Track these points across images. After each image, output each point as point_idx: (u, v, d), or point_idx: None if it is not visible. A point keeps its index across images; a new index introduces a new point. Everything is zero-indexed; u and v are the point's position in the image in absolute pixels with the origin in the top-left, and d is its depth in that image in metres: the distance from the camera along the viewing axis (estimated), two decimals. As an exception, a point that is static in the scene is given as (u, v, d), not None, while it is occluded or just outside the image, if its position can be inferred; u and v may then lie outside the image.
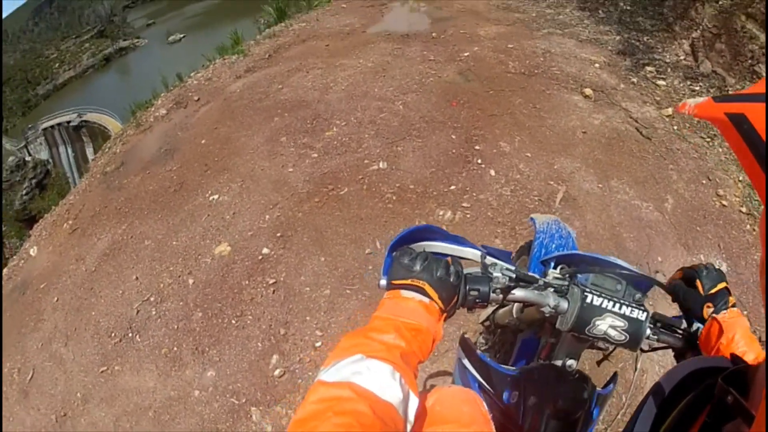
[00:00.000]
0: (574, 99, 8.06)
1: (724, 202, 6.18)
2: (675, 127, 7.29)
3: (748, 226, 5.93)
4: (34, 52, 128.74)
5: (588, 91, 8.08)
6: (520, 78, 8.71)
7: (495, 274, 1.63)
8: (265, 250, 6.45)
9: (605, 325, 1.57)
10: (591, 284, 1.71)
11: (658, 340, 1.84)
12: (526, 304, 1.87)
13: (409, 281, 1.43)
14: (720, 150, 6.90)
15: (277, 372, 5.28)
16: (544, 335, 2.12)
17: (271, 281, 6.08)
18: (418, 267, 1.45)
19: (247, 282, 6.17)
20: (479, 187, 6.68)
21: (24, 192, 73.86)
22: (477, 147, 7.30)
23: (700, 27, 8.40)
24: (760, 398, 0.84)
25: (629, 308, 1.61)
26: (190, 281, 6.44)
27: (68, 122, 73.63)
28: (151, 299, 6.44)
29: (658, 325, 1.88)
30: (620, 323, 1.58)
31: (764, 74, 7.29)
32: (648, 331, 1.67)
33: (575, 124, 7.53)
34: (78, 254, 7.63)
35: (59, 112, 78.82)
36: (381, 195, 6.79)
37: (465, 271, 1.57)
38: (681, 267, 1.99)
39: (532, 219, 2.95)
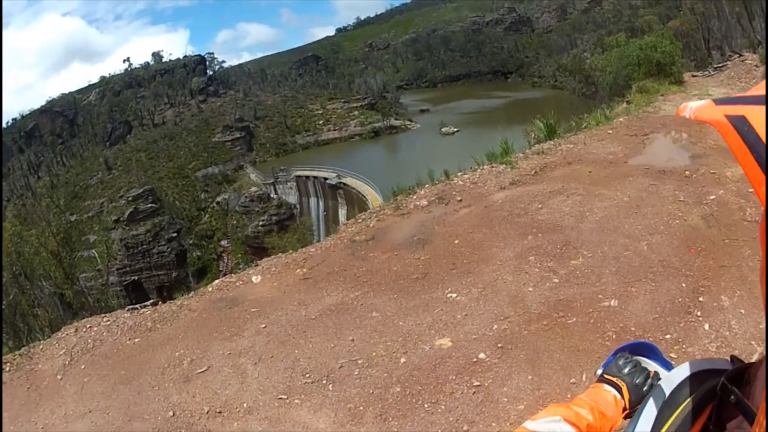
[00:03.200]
0: None
1: None
2: None
3: None
4: (296, 102, 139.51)
5: None
6: (754, 227, 8.27)
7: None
8: (482, 355, 6.60)
9: None
10: None
11: None
12: None
13: (614, 379, 1.65)
14: None
15: None
16: None
17: (476, 383, 6.18)
18: (626, 371, 1.67)
19: (454, 377, 6.32)
20: (691, 339, 6.47)
21: (260, 223, 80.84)
22: (701, 299, 7.06)
23: None
24: (761, 397, 0.86)
25: None
26: (402, 359, 6.72)
27: (325, 179, 78.70)
28: (359, 361, 6.77)
29: None
30: None
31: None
32: None
33: None
34: (302, 299, 8.20)
35: (318, 167, 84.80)
36: (603, 331, 6.73)
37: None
38: None
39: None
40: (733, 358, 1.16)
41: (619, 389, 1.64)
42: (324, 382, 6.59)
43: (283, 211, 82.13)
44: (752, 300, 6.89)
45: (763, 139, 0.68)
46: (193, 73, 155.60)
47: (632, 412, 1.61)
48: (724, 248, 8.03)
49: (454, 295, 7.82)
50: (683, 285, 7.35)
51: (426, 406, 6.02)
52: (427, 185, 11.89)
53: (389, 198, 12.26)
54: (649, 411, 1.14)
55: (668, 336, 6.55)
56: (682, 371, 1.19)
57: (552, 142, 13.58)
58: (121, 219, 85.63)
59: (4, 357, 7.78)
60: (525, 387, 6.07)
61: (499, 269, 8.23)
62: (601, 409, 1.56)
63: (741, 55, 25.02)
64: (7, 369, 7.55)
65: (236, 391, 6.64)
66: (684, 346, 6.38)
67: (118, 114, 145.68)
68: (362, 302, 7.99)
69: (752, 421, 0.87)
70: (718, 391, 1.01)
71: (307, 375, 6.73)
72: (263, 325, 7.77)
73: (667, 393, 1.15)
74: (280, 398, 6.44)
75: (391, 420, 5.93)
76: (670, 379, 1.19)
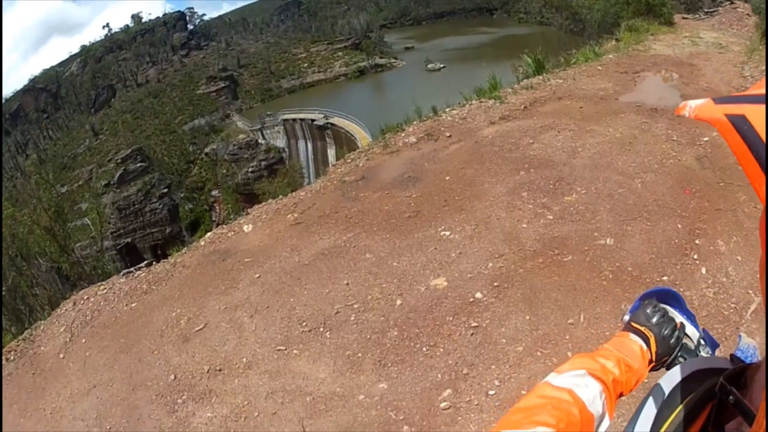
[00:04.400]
0: None
1: None
2: None
3: None
4: (279, 47, 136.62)
5: None
6: None
7: (702, 353, 1.73)
8: (478, 295, 6.54)
9: None
10: None
11: None
12: None
13: (642, 328, 1.61)
14: None
15: (443, 404, 5.33)
16: None
17: (474, 324, 6.13)
18: (654, 320, 1.63)
19: (451, 318, 6.27)
20: (688, 283, 6.45)
21: (250, 169, 79.71)
22: (697, 241, 7.05)
23: None
24: (761, 397, 0.86)
25: None
26: (398, 302, 6.65)
27: (313, 120, 77.35)
28: (355, 306, 6.71)
29: None
30: None
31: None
32: None
33: None
34: (295, 245, 8.10)
35: (304, 109, 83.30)
36: (600, 270, 6.67)
37: (684, 341, 1.70)
38: None
39: (740, 336, 2.85)
40: (733, 357, 1.22)
41: (646, 340, 1.59)
42: (321, 329, 6.53)
43: (272, 156, 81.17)
44: (748, 247, 6.91)
45: (764, 138, 0.67)
46: (173, 30, 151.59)
47: (658, 364, 1.62)
48: (719, 191, 8.00)
49: (447, 233, 7.76)
50: (679, 226, 7.32)
51: (424, 349, 5.98)
52: (415, 122, 11.78)
53: (378, 136, 12.17)
54: (649, 410, 1.14)
55: (665, 278, 6.52)
56: (681, 370, 1.21)
57: (541, 77, 13.47)
58: (112, 182, 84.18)
59: (8, 346, 7.70)
60: (523, 327, 6.03)
61: (491, 206, 8.18)
62: (628, 362, 1.49)
63: (733, 3, 24.94)
64: (12, 358, 7.43)
65: (235, 347, 6.59)
66: (681, 289, 6.32)
67: (101, 80, 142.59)
68: (355, 244, 7.90)
69: (751, 421, 0.87)
70: (717, 392, 1.00)
71: (304, 323, 6.66)
72: (257, 275, 7.68)
73: (667, 392, 1.16)
74: (279, 350, 6.39)
75: (390, 365, 5.89)
76: (670, 378, 1.20)
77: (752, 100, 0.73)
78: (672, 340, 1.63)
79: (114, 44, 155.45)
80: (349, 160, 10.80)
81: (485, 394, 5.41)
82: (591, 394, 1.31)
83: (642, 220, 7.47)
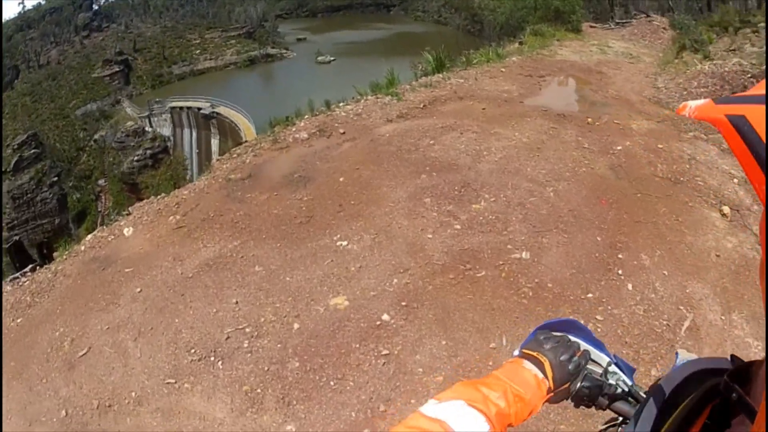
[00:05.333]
0: (712, 216, 7.60)
1: None
2: None
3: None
4: (175, 32, 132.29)
5: (726, 209, 7.72)
6: (667, 184, 8.16)
7: (610, 381, 1.61)
8: (385, 317, 5.85)
9: None
10: None
11: None
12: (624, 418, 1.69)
13: (534, 353, 1.49)
14: None
15: None
16: None
17: (384, 352, 5.45)
18: (547, 346, 1.52)
19: (357, 345, 5.56)
20: (615, 300, 6.08)
21: (136, 158, 76.61)
22: (620, 255, 6.70)
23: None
24: (762, 395, 0.82)
25: None
26: (296, 326, 5.88)
27: (199, 109, 75.32)
28: (247, 330, 5.92)
29: None
30: None
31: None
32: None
33: (711, 245, 7.07)
34: (177, 253, 7.24)
35: (192, 97, 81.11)
36: (518, 287, 6.16)
37: (589, 366, 1.59)
38: None
39: (677, 354, 2.47)
40: (734, 357, 1.14)
41: (541, 366, 1.48)
42: (212, 358, 5.68)
43: (158, 145, 78.08)
44: (673, 261, 6.70)
45: (764, 138, 0.68)
46: (79, 10, 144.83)
47: (558, 392, 1.50)
48: (637, 202, 7.78)
49: (344, 242, 7.05)
50: (598, 239, 6.98)
51: (332, 383, 5.24)
52: (306, 116, 11.06)
53: (266, 130, 11.36)
54: (649, 410, 1.12)
55: (590, 295, 6.14)
56: (682, 371, 1.19)
57: (441, 76, 13.04)
58: (8, 170, 79.21)
59: None
60: (440, 354, 5.42)
61: (391, 212, 7.54)
62: (517, 391, 1.38)
63: (648, 16, 25.62)
64: None
65: (121, 377, 5.69)
66: (609, 307, 6.01)
67: (8, 59, 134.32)
68: (242, 254, 7.08)
69: (753, 419, 0.84)
70: (721, 389, 0.98)
71: (192, 350, 5.80)
72: (138, 289, 6.75)
73: (668, 392, 1.14)
74: (168, 383, 5.53)
75: (295, 403, 5.13)
76: (670, 379, 1.17)
77: (752, 100, 0.73)
78: (570, 366, 1.51)
79: (25, 22, 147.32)
80: (235, 155, 9.95)
81: (410, 434, 4.73)
82: (467, 427, 1.21)
83: (558, 232, 7.06)
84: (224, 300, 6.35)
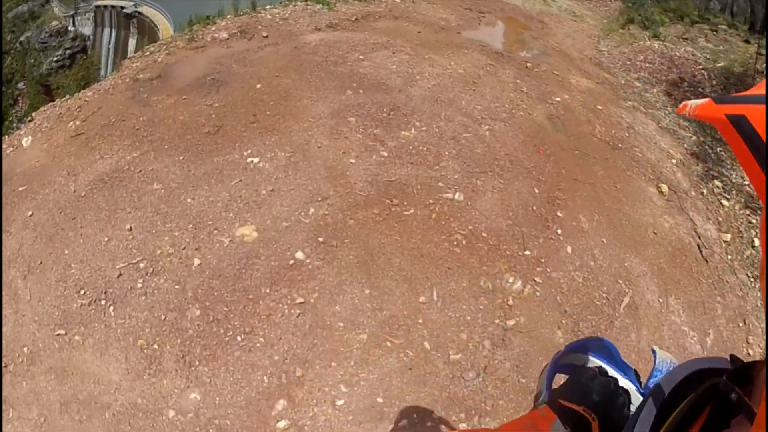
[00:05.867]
0: (650, 192, 7.16)
1: (751, 351, 5.77)
2: (729, 257, 6.71)
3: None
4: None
5: (664, 187, 7.34)
6: (605, 147, 7.62)
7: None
8: (300, 255, 5.03)
9: None
10: None
11: None
12: None
13: (581, 409, 1.24)
14: (758, 294, 6.28)
15: (281, 424, 3.99)
16: None
17: (299, 300, 4.67)
18: (596, 396, 1.26)
19: (267, 290, 4.76)
20: (554, 262, 5.55)
21: (55, 59, 71.76)
22: (559, 213, 6.13)
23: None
24: (762, 396, 0.80)
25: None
26: (196, 261, 5.01)
27: (122, 8, 69.73)
28: (141, 266, 5.02)
29: None
30: None
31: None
32: None
33: (648, 220, 6.67)
34: (72, 166, 6.17)
35: (118, -6, 76.17)
36: (450, 233, 5.46)
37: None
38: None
39: (654, 351, 2.38)
40: (733, 357, 1.05)
41: (586, 424, 1.22)
42: (103, 302, 4.74)
43: (77, 44, 72.98)
44: (612, 230, 6.28)
45: (764, 138, 0.66)
46: None
47: None
48: (575, 160, 7.19)
49: (255, 159, 6.08)
50: (536, 191, 6.36)
51: (239, 339, 4.43)
52: (229, 16, 9.82)
53: (184, 28, 10.00)
54: (649, 411, 1.05)
55: (528, 252, 5.54)
56: (681, 371, 1.10)
57: None
58: None
59: None
60: (363, 306, 4.68)
61: (311, 128, 6.57)
62: None
63: None
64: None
65: (13, 327, 4.78)
66: (548, 269, 5.47)
67: None
68: (141, 168, 6.04)
69: (752, 419, 0.79)
70: (721, 390, 0.92)
71: (82, 291, 4.85)
72: (29, 212, 5.69)
73: (667, 392, 1.06)
74: (58, 335, 4.63)
75: (198, 364, 4.31)
76: (670, 379, 1.09)
77: (752, 100, 0.72)
78: (621, 422, 1.26)
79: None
80: (147, 54, 8.66)
81: (332, 404, 4.08)
82: None
83: (494, 176, 6.36)
84: (117, 225, 5.38)
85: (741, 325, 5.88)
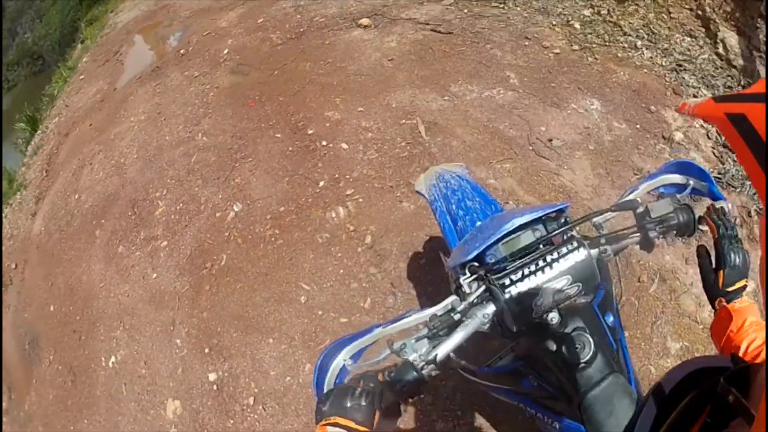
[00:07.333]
0: (355, 35, 7.22)
1: (555, 51, 5.94)
2: (465, 10, 6.82)
3: (590, 59, 5.68)
4: None
5: (364, 21, 7.33)
6: (292, 44, 7.63)
7: (411, 356, 1.40)
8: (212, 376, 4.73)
9: (549, 298, 1.40)
10: (507, 259, 1.58)
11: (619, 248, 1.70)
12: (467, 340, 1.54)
13: (324, 422, 1.31)
14: (518, 9, 6.59)
15: None
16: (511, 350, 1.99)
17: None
18: (326, 407, 1.32)
19: None
20: (345, 167, 5.52)
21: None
22: (309, 131, 6.10)
23: None
24: (761, 398, 0.78)
25: (558, 258, 1.48)
26: None
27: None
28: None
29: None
30: (563, 281, 1.46)
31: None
32: (604, 254, 1.59)
33: (375, 56, 6.72)
34: None
35: None
36: (262, 237, 5.35)
37: (386, 373, 1.37)
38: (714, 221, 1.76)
39: (417, 191, 2.79)
40: (734, 357, 1.11)
41: (339, 425, 1.29)
42: None
43: None
44: (357, 95, 6.35)
45: (764, 137, 0.66)
46: None
47: (387, 420, 1.36)
48: (281, 79, 7.18)
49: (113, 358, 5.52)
50: (278, 135, 6.34)
51: None
52: None
53: None
54: (649, 410, 1.10)
55: (321, 183, 5.55)
56: (681, 370, 1.14)
57: (40, 131, 10.84)
58: None
59: None
60: (273, 353, 4.61)
61: (107, 288, 6.04)
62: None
63: None
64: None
65: None
66: (346, 176, 5.54)
67: None
68: None
69: (751, 422, 0.82)
70: (718, 391, 0.93)
71: None
72: None
73: (667, 392, 1.11)
74: None
75: None
76: (670, 378, 1.14)
77: (752, 99, 0.72)
78: (363, 401, 1.30)
79: None
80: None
81: None
82: None
83: (240, 163, 6.31)
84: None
85: (527, 42, 6.13)
